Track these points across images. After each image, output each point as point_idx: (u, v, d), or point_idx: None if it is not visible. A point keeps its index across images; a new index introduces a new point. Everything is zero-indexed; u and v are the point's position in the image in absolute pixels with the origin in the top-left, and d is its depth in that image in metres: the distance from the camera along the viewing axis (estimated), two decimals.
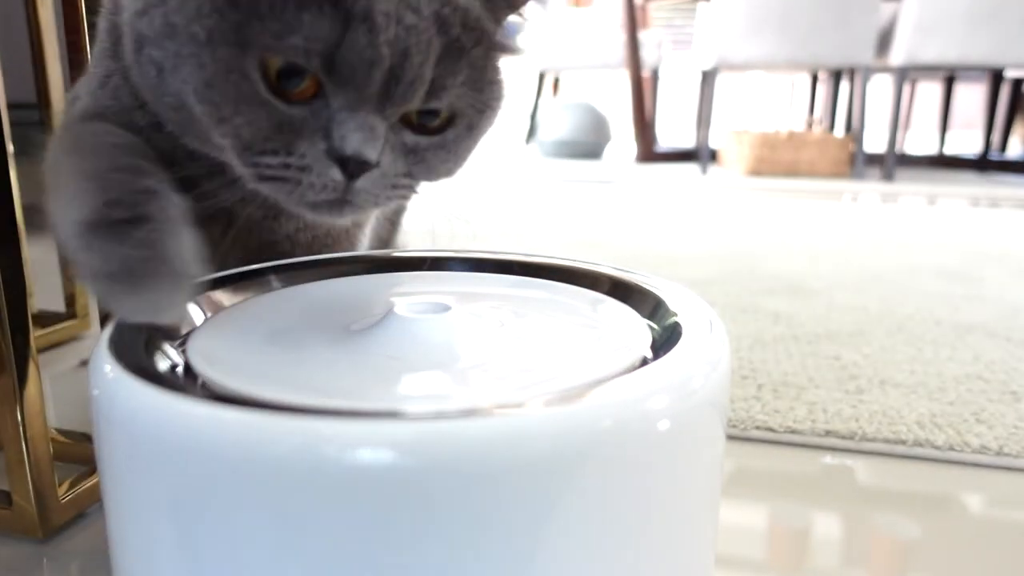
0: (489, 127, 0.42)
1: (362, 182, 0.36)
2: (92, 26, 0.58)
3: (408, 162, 0.39)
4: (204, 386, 0.33)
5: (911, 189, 2.62)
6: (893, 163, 2.90)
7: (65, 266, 0.88)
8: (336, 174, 0.36)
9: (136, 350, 0.35)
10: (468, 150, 0.42)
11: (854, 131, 2.98)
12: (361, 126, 0.35)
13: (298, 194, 0.36)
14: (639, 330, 0.39)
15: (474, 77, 0.39)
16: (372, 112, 0.36)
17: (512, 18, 0.42)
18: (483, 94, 0.40)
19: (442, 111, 0.39)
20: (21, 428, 0.49)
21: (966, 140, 4.01)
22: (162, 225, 0.32)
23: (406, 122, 0.39)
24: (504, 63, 0.42)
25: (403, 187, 0.39)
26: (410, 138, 0.39)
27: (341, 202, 0.37)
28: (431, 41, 0.36)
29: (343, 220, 0.41)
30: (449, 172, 0.42)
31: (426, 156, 0.39)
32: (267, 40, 0.33)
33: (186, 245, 0.33)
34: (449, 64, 0.37)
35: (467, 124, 0.40)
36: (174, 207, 0.34)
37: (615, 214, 2.01)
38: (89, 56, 0.59)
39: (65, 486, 0.53)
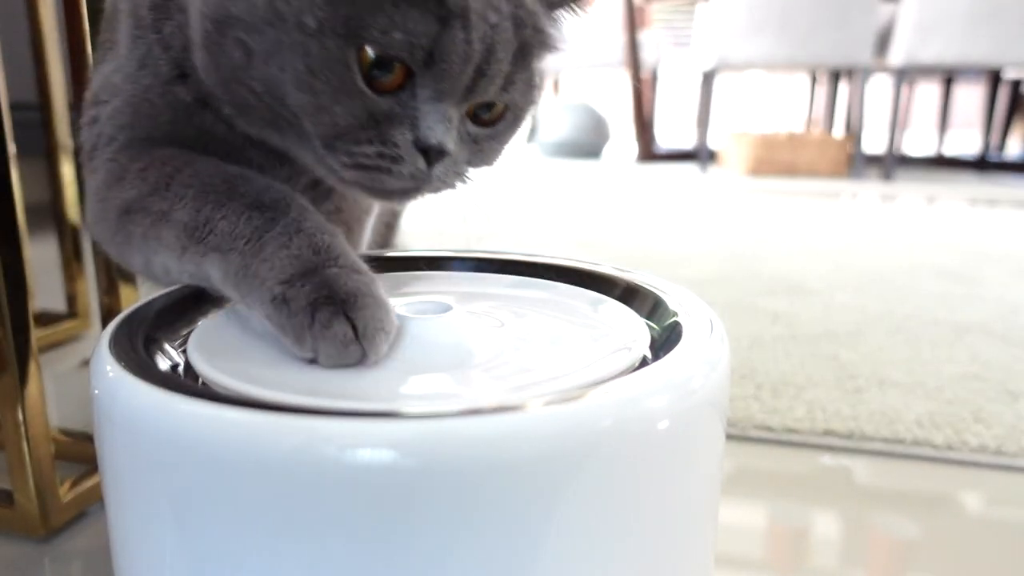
0: (521, 123, 0.45)
1: (437, 169, 0.39)
2: (95, 24, 0.58)
3: (469, 151, 0.41)
4: (204, 386, 0.34)
5: (910, 189, 2.63)
6: (892, 163, 2.90)
7: (67, 265, 0.88)
8: (421, 163, 0.38)
9: (137, 350, 0.35)
10: (511, 141, 0.45)
11: (853, 131, 2.98)
12: (442, 117, 0.37)
13: (386, 182, 0.38)
14: (639, 330, 0.39)
15: (531, 74, 0.42)
16: (452, 104, 0.38)
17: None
18: (532, 91, 0.43)
19: (500, 105, 0.41)
20: (23, 428, 0.49)
21: (964, 141, 4.01)
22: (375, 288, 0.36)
23: (467, 113, 0.41)
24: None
25: (462, 174, 0.42)
26: (472, 128, 0.41)
27: (415, 189, 0.39)
28: (510, 40, 0.38)
29: (404, 203, 0.45)
30: (492, 162, 0.44)
31: (483, 146, 0.42)
32: (374, 34, 0.35)
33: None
34: (519, 62, 0.40)
35: (514, 117, 0.43)
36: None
37: (615, 214, 2.01)
38: (94, 53, 0.59)
39: (67, 485, 0.53)
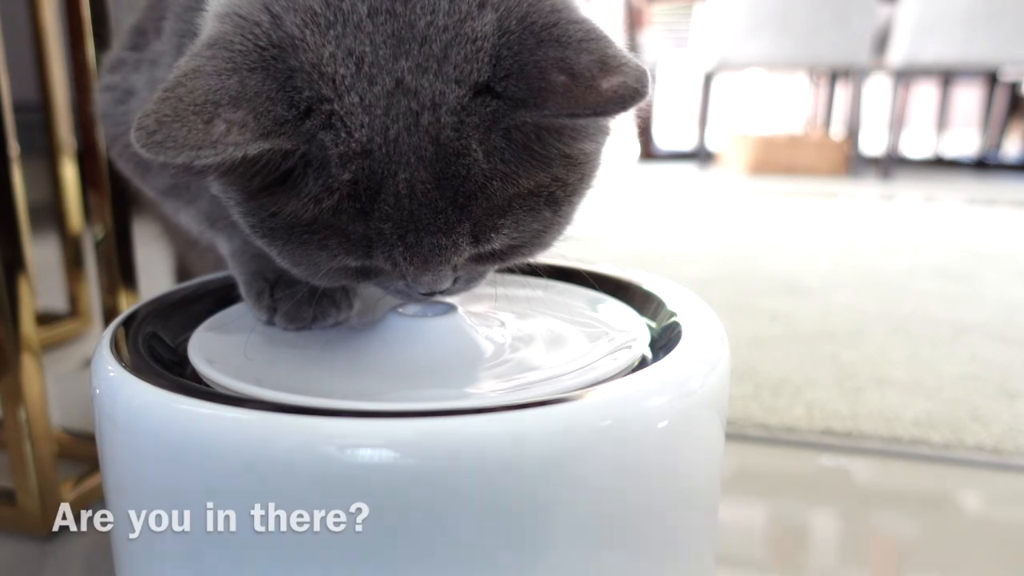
0: (582, 192, 0.38)
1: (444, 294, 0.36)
2: (96, 25, 0.58)
3: (487, 261, 0.36)
4: (204, 386, 0.34)
5: (908, 190, 2.63)
6: (890, 164, 2.90)
7: (68, 266, 0.88)
8: (419, 297, 0.36)
9: (137, 350, 0.36)
10: (563, 221, 0.38)
11: (851, 132, 2.98)
12: (429, 280, 0.34)
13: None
14: (639, 330, 0.39)
15: (531, 207, 0.35)
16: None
17: None
18: (540, 215, 0.35)
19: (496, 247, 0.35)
20: (25, 427, 0.49)
21: (962, 141, 4.02)
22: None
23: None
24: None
25: (486, 274, 0.38)
26: (480, 266, 0.36)
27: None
28: (458, 243, 0.33)
29: None
30: (537, 251, 0.38)
31: (504, 257, 0.36)
32: (331, 255, 0.33)
33: None
34: (489, 224, 0.33)
35: (530, 245, 0.36)
36: None
37: (614, 213, 2.01)
38: (94, 58, 0.59)
39: (69, 484, 0.53)
